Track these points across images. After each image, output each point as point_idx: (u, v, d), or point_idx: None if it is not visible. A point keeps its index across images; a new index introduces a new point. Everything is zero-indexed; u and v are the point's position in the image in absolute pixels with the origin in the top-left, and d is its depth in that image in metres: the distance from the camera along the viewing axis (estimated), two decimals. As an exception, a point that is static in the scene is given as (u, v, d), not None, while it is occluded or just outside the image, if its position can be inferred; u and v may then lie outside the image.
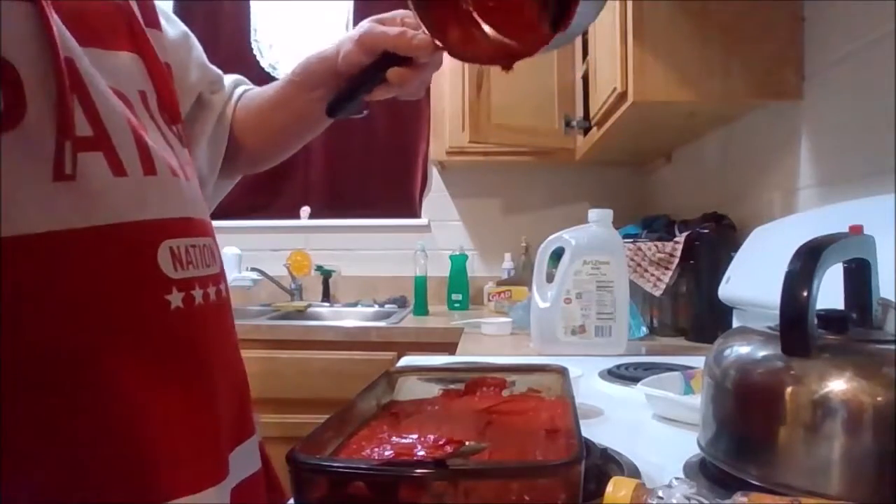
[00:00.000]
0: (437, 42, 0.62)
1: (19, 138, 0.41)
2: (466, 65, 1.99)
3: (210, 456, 0.51)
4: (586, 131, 1.88)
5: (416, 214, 2.63)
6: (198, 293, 0.52)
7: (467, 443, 0.46)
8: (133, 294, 0.47)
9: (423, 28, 0.62)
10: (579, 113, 1.97)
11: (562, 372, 0.61)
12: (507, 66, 0.60)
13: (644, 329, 1.51)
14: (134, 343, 0.47)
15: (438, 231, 2.62)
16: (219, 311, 0.56)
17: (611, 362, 1.14)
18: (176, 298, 0.49)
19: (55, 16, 0.44)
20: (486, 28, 0.63)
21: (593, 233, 1.32)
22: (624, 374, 1.05)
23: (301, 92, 0.73)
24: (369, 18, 0.67)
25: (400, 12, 0.66)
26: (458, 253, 2.48)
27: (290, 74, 0.74)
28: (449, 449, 0.45)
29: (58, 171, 0.43)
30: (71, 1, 0.49)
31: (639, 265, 1.54)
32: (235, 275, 2.43)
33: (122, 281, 0.46)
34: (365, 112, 0.74)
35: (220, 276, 0.57)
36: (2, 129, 0.41)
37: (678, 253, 1.48)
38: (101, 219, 0.45)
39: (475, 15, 0.63)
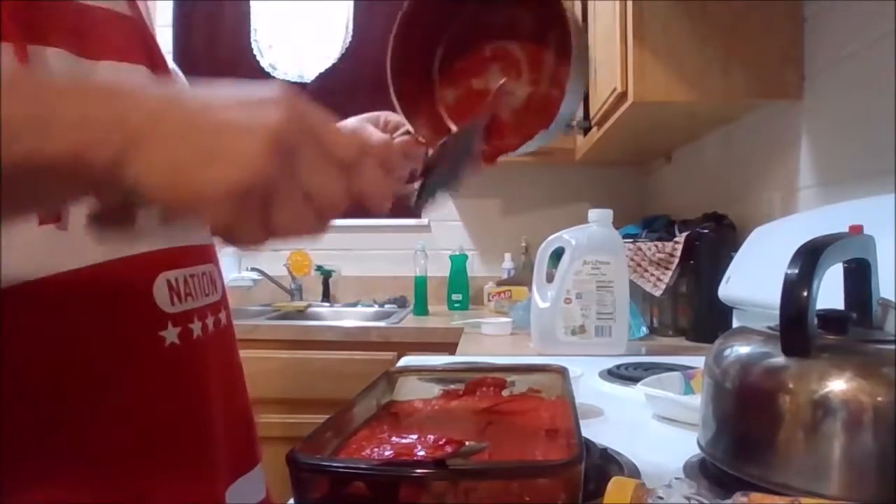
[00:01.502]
0: (420, 139, 0.67)
1: None
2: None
3: (204, 494, 0.51)
4: (586, 131, 1.88)
5: (416, 214, 2.63)
6: (196, 326, 0.51)
7: (467, 443, 0.46)
8: (125, 334, 0.46)
9: (409, 127, 0.67)
10: (579, 113, 1.96)
11: (562, 372, 0.61)
12: (490, 161, 0.65)
13: (644, 329, 1.51)
14: (124, 386, 0.46)
15: (438, 231, 2.62)
16: (219, 340, 0.55)
17: (611, 362, 1.14)
18: (171, 334, 0.49)
19: (32, 50, 0.43)
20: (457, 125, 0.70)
21: (593, 233, 1.32)
22: (624, 374, 1.05)
23: None
24: (358, 117, 0.71)
25: (385, 113, 0.71)
26: (458, 253, 2.48)
27: None
28: (449, 449, 0.45)
29: (41, 215, 0.42)
30: (85, 13, 0.49)
31: (639, 265, 1.54)
32: (235, 275, 2.43)
33: (114, 321, 0.45)
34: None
35: (220, 304, 0.56)
36: None
37: (678, 253, 1.48)
38: (92, 258, 0.44)
39: (445, 118, 0.70)
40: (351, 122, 0.71)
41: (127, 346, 0.46)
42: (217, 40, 2.61)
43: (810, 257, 0.47)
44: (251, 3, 2.63)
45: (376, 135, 0.68)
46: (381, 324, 2.04)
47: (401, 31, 0.67)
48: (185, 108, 0.34)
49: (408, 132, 0.68)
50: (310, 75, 2.58)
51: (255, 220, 0.34)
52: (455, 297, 2.42)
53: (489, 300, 2.28)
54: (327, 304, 2.50)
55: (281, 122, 0.34)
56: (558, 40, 0.65)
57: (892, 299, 0.53)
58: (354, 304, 2.49)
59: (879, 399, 0.44)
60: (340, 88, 2.49)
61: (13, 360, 0.41)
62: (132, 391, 0.47)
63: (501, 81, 0.66)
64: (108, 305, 0.45)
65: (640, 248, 1.54)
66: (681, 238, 1.49)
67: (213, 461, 0.52)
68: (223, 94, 0.36)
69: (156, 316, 0.48)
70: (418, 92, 0.70)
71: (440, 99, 0.71)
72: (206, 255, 0.55)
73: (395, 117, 0.70)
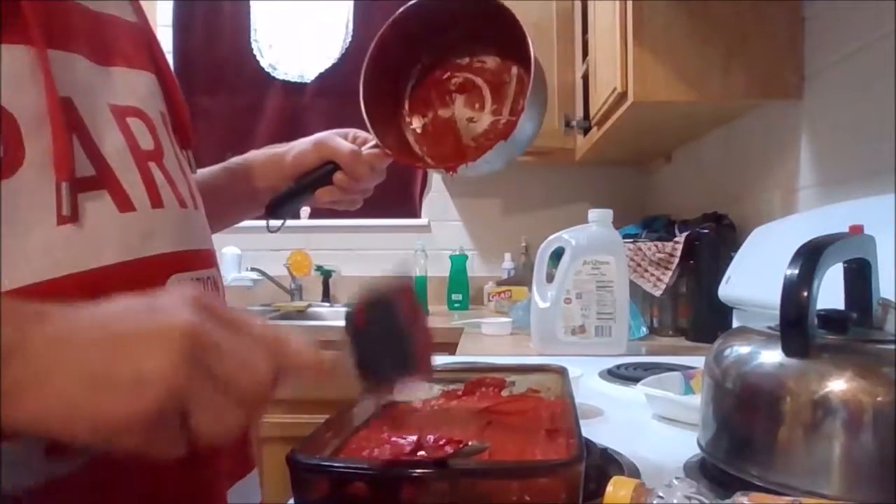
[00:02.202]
0: (387, 151, 0.73)
1: (19, 185, 0.41)
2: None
3: (205, 497, 0.51)
4: (586, 131, 1.88)
5: (416, 214, 2.63)
6: None
7: (471, 443, 0.46)
8: None
9: (377, 140, 0.72)
10: (579, 113, 1.97)
11: (562, 372, 0.61)
12: (451, 170, 0.72)
13: (644, 329, 1.51)
14: None
15: (438, 231, 2.62)
16: None
17: (611, 362, 1.14)
18: None
19: (52, 55, 0.43)
20: (421, 149, 0.77)
21: (593, 233, 1.32)
22: (624, 374, 1.05)
23: (237, 182, 0.75)
24: (327, 131, 0.74)
25: (354, 130, 0.75)
26: (458, 253, 2.48)
27: (227, 163, 0.76)
28: (449, 449, 0.45)
29: (60, 215, 0.42)
30: (97, 20, 0.49)
31: (639, 265, 1.54)
32: (235, 275, 2.42)
33: None
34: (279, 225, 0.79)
35: None
36: (0, 177, 0.40)
37: (678, 253, 1.48)
38: (109, 258, 0.45)
39: (411, 140, 0.77)
40: (320, 135, 0.73)
41: None
42: (217, 40, 2.61)
43: (810, 257, 0.47)
44: (251, 3, 2.62)
45: (345, 145, 0.71)
46: (381, 324, 2.03)
47: (374, 59, 0.71)
48: (80, 337, 0.31)
49: (376, 146, 0.72)
50: (310, 75, 2.58)
51: (171, 435, 0.32)
52: (455, 297, 2.42)
53: (489, 300, 2.28)
54: (327, 304, 2.49)
55: (187, 327, 0.31)
56: (520, 73, 0.70)
57: (892, 299, 0.53)
58: (354, 304, 2.49)
59: (879, 399, 0.44)
60: (340, 88, 2.49)
61: None
62: None
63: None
64: None
65: (640, 248, 1.54)
66: (681, 238, 1.49)
67: (213, 464, 0.52)
68: (121, 308, 0.33)
69: None
70: (389, 116, 0.75)
71: (408, 125, 0.75)
72: (210, 260, 0.56)
73: (364, 133, 0.74)
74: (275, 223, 0.77)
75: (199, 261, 0.53)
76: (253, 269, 2.46)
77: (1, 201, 0.40)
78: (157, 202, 0.49)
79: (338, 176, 0.72)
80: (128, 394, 0.30)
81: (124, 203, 0.46)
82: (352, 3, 2.58)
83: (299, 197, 0.75)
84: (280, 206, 0.74)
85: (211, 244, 0.58)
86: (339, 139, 0.73)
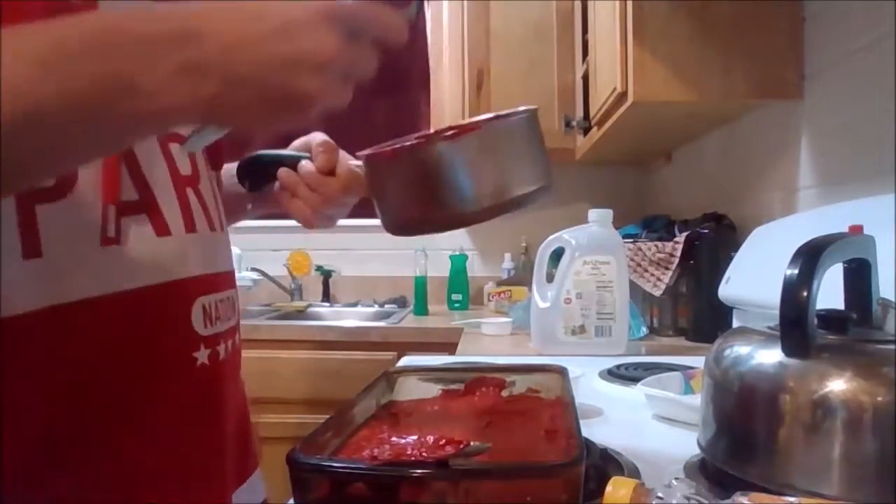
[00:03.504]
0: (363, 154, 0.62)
1: (71, 206, 0.43)
2: (466, 65, 2.00)
3: (214, 501, 0.53)
4: (586, 131, 1.88)
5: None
6: (221, 347, 0.54)
7: (473, 443, 0.46)
8: (164, 353, 0.49)
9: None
10: (579, 113, 1.97)
11: (561, 372, 0.61)
12: None
13: (644, 329, 1.51)
14: (158, 401, 0.48)
15: (438, 231, 2.62)
16: (233, 360, 0.57)
17: (611, 362, 1.14)
18: (202, 355, 0.51)
19: None
20: None
21: (593, 233, 1.32)
22: (624, 374, 1.05)
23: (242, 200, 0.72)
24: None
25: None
26: (458, 253, 2.48)
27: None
28: (449, 449, 0.45)
29: (105, 236, 0.44)
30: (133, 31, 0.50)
31: (639, 265, 1.54)
32: (235, 275, 2.42)
33: (155, 340, 0.48)
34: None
35: (236, 328, 0.58)
36: (55, 198, 0.42)
37: (678, 253, 1.48)
38: (146, 279, 0.47)
39: None
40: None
41: (164, 363, 0.49)
42: (217, 40, 2.61)
43: (810, 257, 0.47)
44: (251, 3, 2.62)
45: (323, 135, 0.66)
46: (381, 324, 2.04)
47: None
48: (249, 57, 0.35)
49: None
50: (310, 75, 2.57)
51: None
52: (455, 297, 2.42)
53: (489, 300, 2.28)
54: (327, 304, 2.49)
55: (329, 58, 0.37)
56: None
57: (892, 299, 0.53)
58: (354, 304, 2.49)
59: (879, 399, 0.44)
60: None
61: (62, 371, 0.43)
62: (165, 406, 0.49)
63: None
64: (152, 325, 0.48)
65: (640, 248, 1.54)
66: (681, 238, 1.49)
67: (223, 470, 0.54)
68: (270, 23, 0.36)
69: (191, 338, 0.50)
70: None
71: None
72: (231, 281, 0.58)
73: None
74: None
75: (222, 282, 0.55)
76: (253, 269, 2.46)
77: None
78: (190, 227, 0.51)
79: (302, 162, 0.65)
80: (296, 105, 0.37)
81: (161, 227, 0.48)
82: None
83: (265, 166, 0.67)
84: (248, 167, 0.69)
85: (232, 265, 0.59)
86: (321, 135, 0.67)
